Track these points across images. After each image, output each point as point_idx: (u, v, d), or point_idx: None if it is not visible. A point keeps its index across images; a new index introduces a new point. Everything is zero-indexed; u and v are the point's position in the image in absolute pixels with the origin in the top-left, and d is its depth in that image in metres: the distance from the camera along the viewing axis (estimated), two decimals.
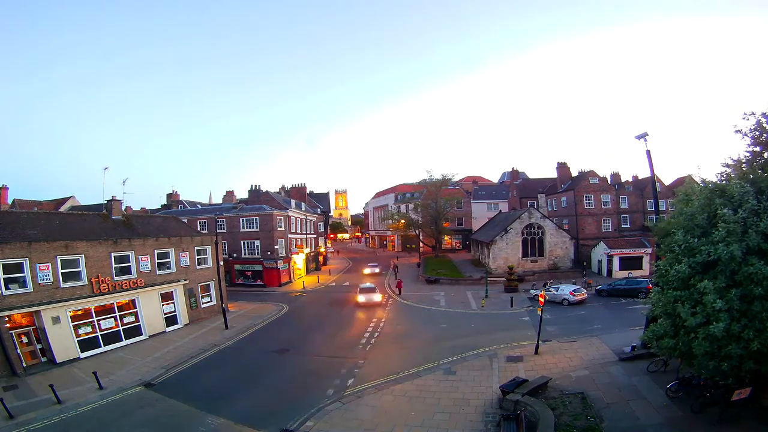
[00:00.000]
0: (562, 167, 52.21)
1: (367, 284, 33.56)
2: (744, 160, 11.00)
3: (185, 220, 34.20)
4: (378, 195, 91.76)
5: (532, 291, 31.72)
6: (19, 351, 17.35)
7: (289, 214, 45.01)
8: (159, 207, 52.56)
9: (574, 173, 51.18)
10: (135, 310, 22.22)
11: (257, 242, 40.13)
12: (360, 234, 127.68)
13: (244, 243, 40.50)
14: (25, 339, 17.91)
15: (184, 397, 14.99)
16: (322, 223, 62.46)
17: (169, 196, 52.43)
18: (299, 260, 47.57)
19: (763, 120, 10.70)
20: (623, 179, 50.17)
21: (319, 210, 64.69)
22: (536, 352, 17.75)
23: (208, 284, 28.08)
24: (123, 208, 26.79)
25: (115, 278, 21.24)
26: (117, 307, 21.37)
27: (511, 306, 28.16)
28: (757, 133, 10.74)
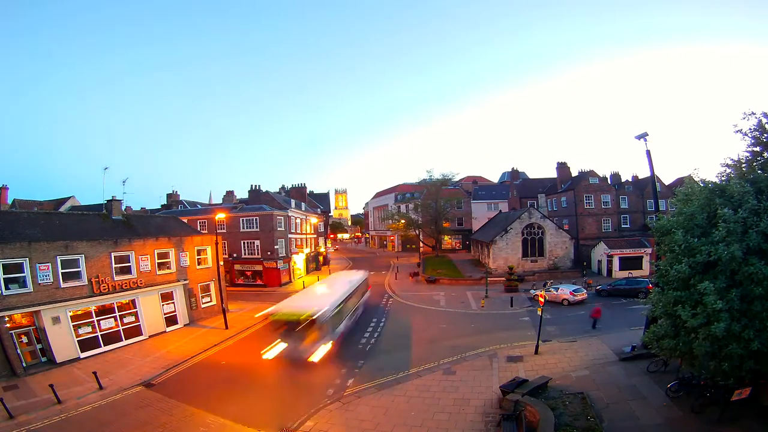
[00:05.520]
0: (562, 167, 52.20)
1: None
2: (744, 160, 10.98)
3: (185, 220, 34.17)
4: (378, 195, 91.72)
5: (532, 291, 31.69)
6: (19, 351, 17.34)
7: (289, 214, 44.98)
8: (159, 207, 52.53)
9: (574, 173, 51.18)
10: (135, 310, 22.19)
11: (257, 242, 40.11)
12: (360, 234, 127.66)
13: (244, 243, 40.48)
14: (25, 339, 17.88)
15: (184, 397, 14.99)
16: (322, 223, 62.41)
17: (169, 196, 52.36)
18: (299, 260, 47.55)
19: (764, 120, 10.68)
20: (623, 179, 50.16)
21: (319, 210, 64.67)
22: (536, 352, 17.74)
23: (208, 284, 28.05)
24: (123, 208, 26.76)
25: (115, 278, 21.23)
26: (117, 307, 21.34)
27: (511, 306, 28.14)
28: (758, 133, 10.72)
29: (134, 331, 22.02)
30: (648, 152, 16.87)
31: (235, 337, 22.83)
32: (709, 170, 23.64)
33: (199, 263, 27.22)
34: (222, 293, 26.62)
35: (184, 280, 25.55)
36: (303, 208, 53.85)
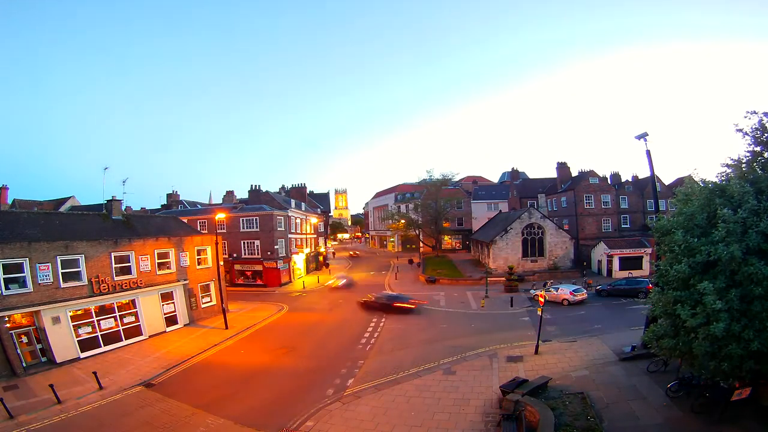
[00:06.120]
0: (562, 167, 52.21)
1: None
2: (744, 160, 10.95)
3: (185, 220, 34.17)
4: (378, 195, 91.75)
5: (532, 291, 31.70)
6: (19, 351, 17.34)
7: (289, 214, 44.99)
8: (159, 207, 52.57)
9: (574, 173, 51.20)
10: (135, 310, 22.19)
11: (257, 242, 40.12)
12: (360, 234, 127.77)
13: (244, 243, 40.49)
14: (25, 339, 17.89)
15: (184, 397, 15.00)
16: (322, 223, 62.43)
17: (169, 196, 52.40)
18: (299, 260, 47.57)
19: (765, 119, 10.65)
20: (623, 179, 50.18)
21: (319, 210, 64.71)
22: (536, 352, 17.74)
23: (208, 284, 28.05)
24: (123, 208, 26.76)
25: (115, 278, 21.22)
26: (117, 307, 21.35)
27: (511, 306, 28.14)
28: (759, 132, 10.70)
29: (134, 331, 22.01)
30: (648, 152, 16.87)
31: (235, 337, 22.83)
32: (709, 170, 23.68)
33: (199, 263, 27.23)
34: (222, 293, 26.62)
35: (184, 280, 25.55)
36: (303, 208, 53.87)
